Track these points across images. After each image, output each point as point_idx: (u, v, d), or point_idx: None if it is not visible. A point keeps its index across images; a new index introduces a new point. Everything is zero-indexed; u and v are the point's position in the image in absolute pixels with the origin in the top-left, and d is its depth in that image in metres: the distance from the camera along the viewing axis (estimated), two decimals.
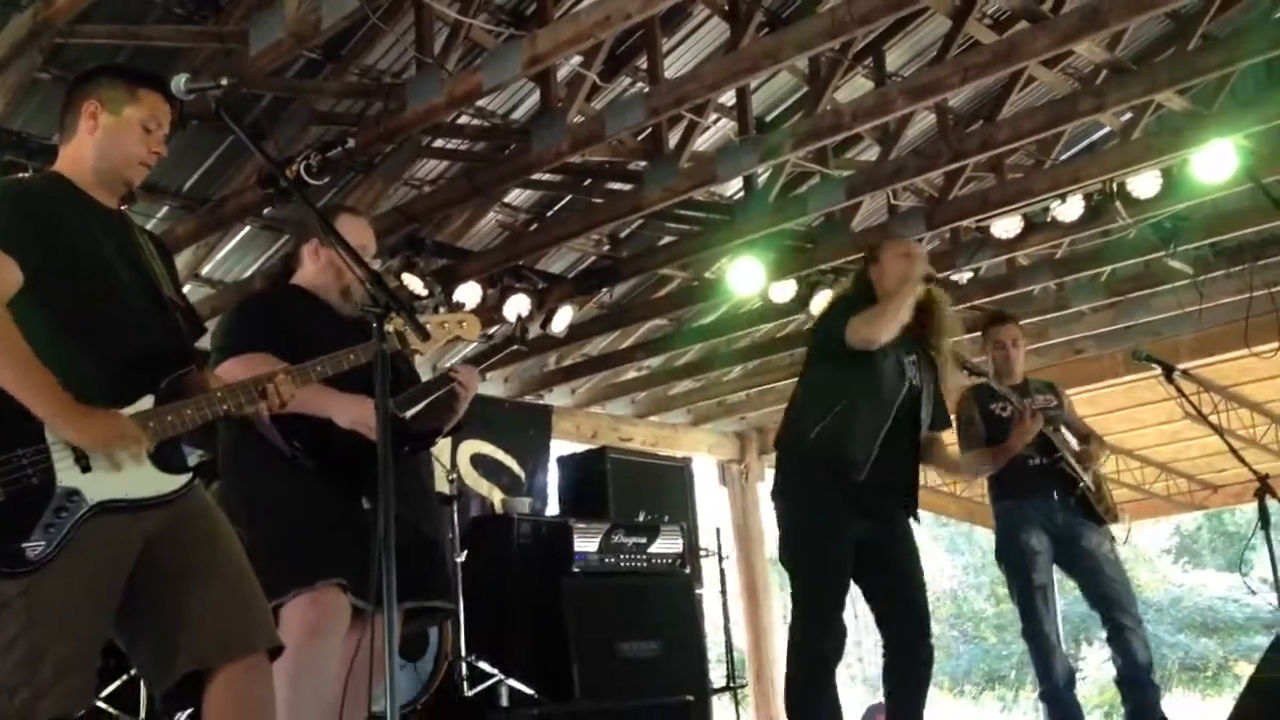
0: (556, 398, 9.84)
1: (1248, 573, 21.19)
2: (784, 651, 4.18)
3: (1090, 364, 9.24)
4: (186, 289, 3.35)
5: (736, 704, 7.40)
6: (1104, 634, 5.44)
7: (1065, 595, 7.75)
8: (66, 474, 2.45)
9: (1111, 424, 10.48)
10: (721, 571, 7.87)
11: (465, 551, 6.06)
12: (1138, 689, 5.25)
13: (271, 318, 3.56)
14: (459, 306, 6.82)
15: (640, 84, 6.25)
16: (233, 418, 2.75)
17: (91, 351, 2.57)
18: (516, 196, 7.45)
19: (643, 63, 6.03)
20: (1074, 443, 5.53)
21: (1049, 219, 6.74)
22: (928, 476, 12.18)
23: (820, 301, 7.38)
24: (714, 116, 6.66)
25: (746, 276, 7.24)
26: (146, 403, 2.59)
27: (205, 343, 3.33)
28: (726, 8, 5.94)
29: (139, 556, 2.56)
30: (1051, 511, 5.36)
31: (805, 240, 7.41)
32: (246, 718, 2.65)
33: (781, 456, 4.51)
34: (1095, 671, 18.40)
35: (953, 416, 5.64)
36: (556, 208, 7.58)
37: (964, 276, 7.85)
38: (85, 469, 2.47)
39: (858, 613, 19.57)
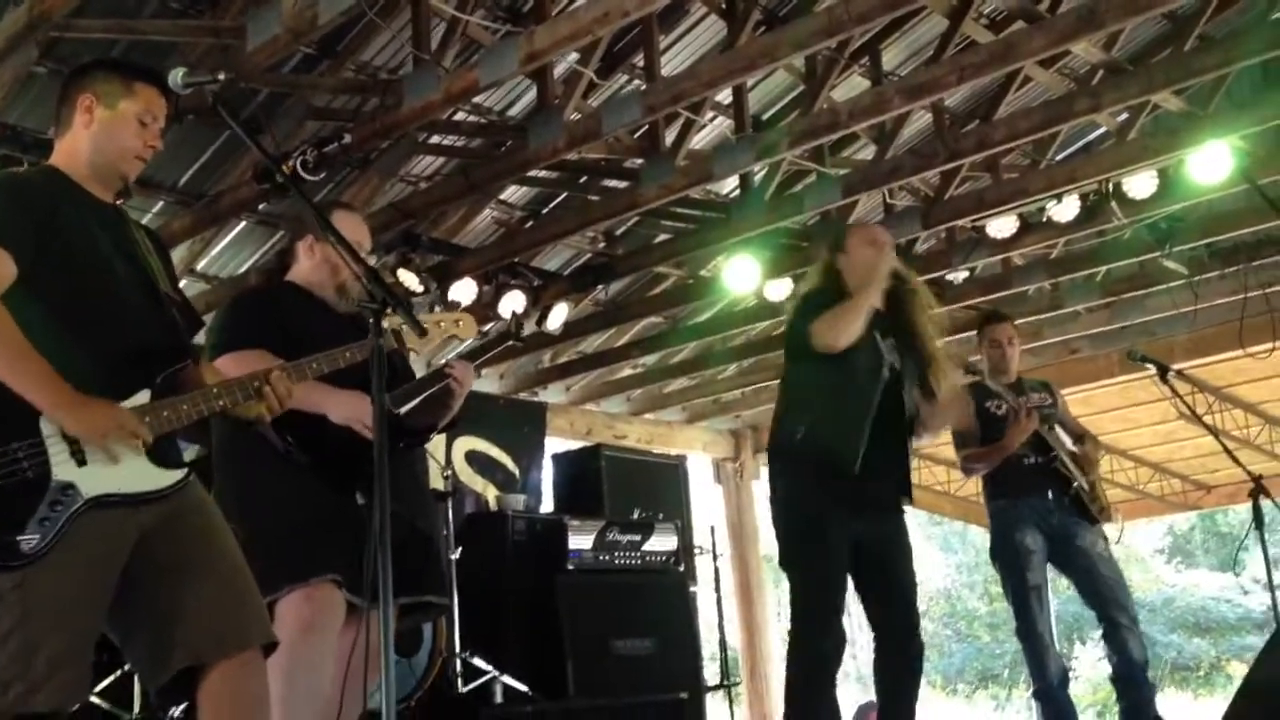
0: (551, 395, 9.84)
1: (1240, 573, 21.26)
2: (778, 650, 4.16)
3: (1085, 364, 9.26)
4: (181, 284, 3.35)
5: (730, 702, 7.41)
6: (1098, 633, 5.46)
7: (1058, 594, 7.77)
8: (62, 468, 2.45)
9: (1105, 424, 10.50)
10: (716, 569, 7.88)
11: (460, 548, 6.07)
12: (1133, 687, 5.26)
13: (267, 314, 3.56)
14: (455, 305, 6.82)
15: (637, 81, 6.25)
16: (228, 414, 2.75)
17: (87, 346, 2.56)
18: (512, 193, 7.44)
19: (640, 60, 6.04)
20: (1069, 442, 5.55)
21: (1044, 219, 6.76)
22: (922, 475, 12.25)
23: (782, 289, 7.31)
24: (710, 114, 6.67)
25: (742, 275, 7.24)
26: (142, 398, 2.58)
27: (202, 338, 3.33)
28: (724, 6, 5.95)
29: (134, 551, 2.56)
30: (1046, 510, 5.37)
31: (801, 239, 7.41)
32: (241, 714, 2.65)
33: (772, 460, 4.43)
34: (1088, 670, 18.44)
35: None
36: (552, 205, 7.58)
37: (959, 276, 7.86)
38: (81, 463, 2.47)
39: (852, 611, 19.64)
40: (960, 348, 7.04)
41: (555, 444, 9.32)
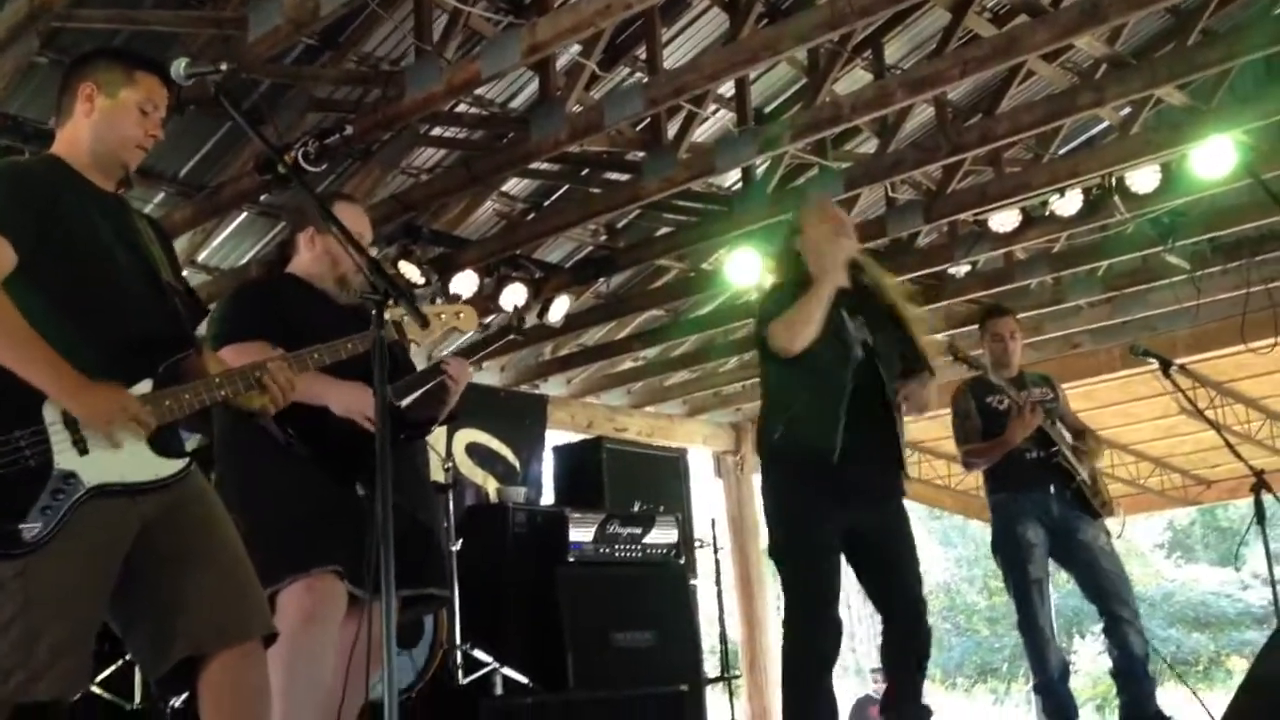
0: (552, 387, 9.84)
1: (1241, 568, 21.29)
2: (778, 643, 4.11)
3: (1086, 359, 9.25)
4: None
5: (730, 695, 7.41)
6: (1098, 627, 5.46)
7: (1058, 589, 7.77)
8: (64, 456, 2.45)
9: (1106, 418, 10.49)
10: (716, 563, 7.87)
11: (460, 540, 6.06)
12: (1133, 681, 5.26)
13: (267, 305, 3.55)
14: (456, 298, 6.81)
15: (639, 74, 6.24)
16: (230, 405, 2.75)
17: (88, 334, 2.56)
18: (514, 186, 7.44)
19: (642, 53, 6.02)
20: (1069, 437, 5.54)
21: (1047, 213, 6.74)
22: (921, 469, 12.26)
23: (744, 267, 7.17)
24: (713, 107, 6.65)
25: (744, 268, 7.23)
26: (144, 387, 2.58)
27: (203, 329, 3.33)
28: None
29: (135, 540, 2.56)
30: (1048, 504, 5.36)
31: None
32: (242, 704, 2.65)
33: (761, 459, 4.38)
34: (1088, 664, 18.46)
35: (949, 409, 5.70)
36: (554, 197, 7.57)
37: (961, 270, 7.86)
38: (83, 451, 2.47)
39: (850, 604, 19.64)
40: (962, 342, 7.03)
41: (556, 436, 9.33)
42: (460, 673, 5.75)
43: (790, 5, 6.13)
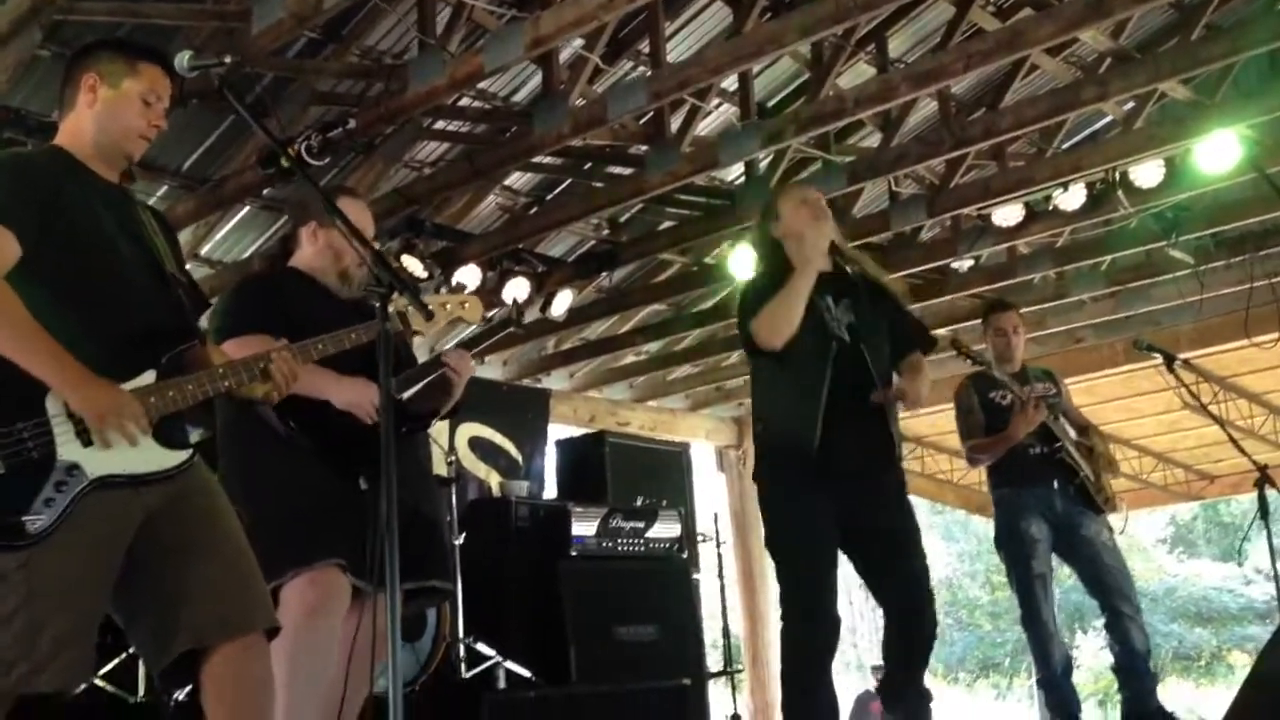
0: (555, 381, 9.84)
1: (1243, 563, 21.29)
2: (779, 637, 4.08)
3: (1089, 353, 9.25)
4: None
5: (733, 688, 7.41)
6: (1100, 622, 5.45)
7: (1060, 584, 7.78)
8: (67, 447, 2.45)
9: (1109, 413, 10.49)
10: (719, 557, 7.88)
11: (463, 534, 6.06)
12: (1135, 677, 5.26)
13: (270, 299, 3.55)
14: (460, 288, 6.81)
15: (643, 67, 6.24)
16: (233, 395, 2.74)
17: (92, 325, 2.56)
18: (517, 179, 7.43)
19: (645, 46, 6.02)
20: (1072, 433, 5.54)
21: (1050, 207, 6.73)
22: (925, 464, 12.26)
23: (746, 261, 6.95)
24: (716, 101, 6.65)
25: (746, 262, 7.22)
26: (148, 378, 2.58)
27: (205, 322, 3.32)
28: None
29: (138, 531, 2.56)
30: (1051, 500, 5.36)
31: None
32: (244, 697, 2.65)
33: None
34: (1090, 660, 18.46)
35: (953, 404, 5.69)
36: (557, 191, 7.57)
37: (964, 264, 7.86)
38: (86, 443, 2.46)
39: (852, 599, 19.64)
40: (965, 336, 7.03)
41: (558, 430, 9.33)
42: (463, 666, 5.76)
43: None
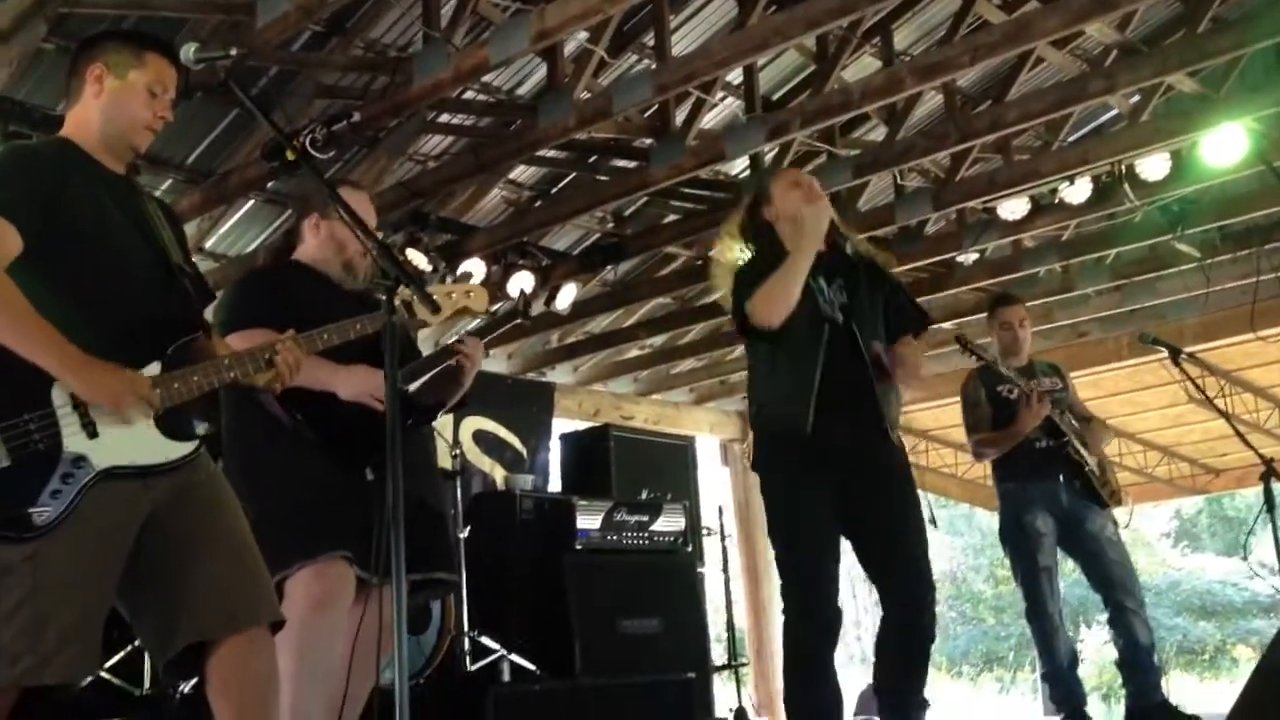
0: (559, 375, 9.83)
1: (1248, 557, 21.27)
2: (781, 630, 4.02)
3: (1094, 347, 9.24)
4: None
5: (738, 682, 7.42)
6: (1104, 616, 5.45)
7: (1065, 577, 7.78)
8: (73, 439, 2.44)
9: (1114, 407, 10.48)
10: (723, 550, 7.88)
11: (468, 527, 6.06)
12: (1139, 671, 5.27)
13: (274, 293, 3.55)
14: (466, 278, 6.80)
15: (647, 61, 6.23)
16: (239, 386, 2.74)
17: (96, 317, 2.55)
18: (521, 173, 7.43)
19: (650, 39, 6.01)
20: (1078, 427, 5.53)
21: (1056, 201, 6.72)
22: (929, 457, 12.25)
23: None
24: (721, 95, 6.64)
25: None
26: (153, 369, 2.57)
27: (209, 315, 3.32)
28: None
29: (145, 524, 2.55)
30: (1057, 494, 5.36)
31: None
32: (250, 690, 2.65)
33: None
34: (1094, 654, 18.47)
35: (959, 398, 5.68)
36: (562, 184, 7.56)
37: (969, 258, 7.84)
38: (92, 434, 2.46)
39: (856, 593, 19.63)
40: (970, 330, 7.02)
41: (562, 424, 9.33)
42: (467, 659, 5.76)
43: None
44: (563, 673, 5.82)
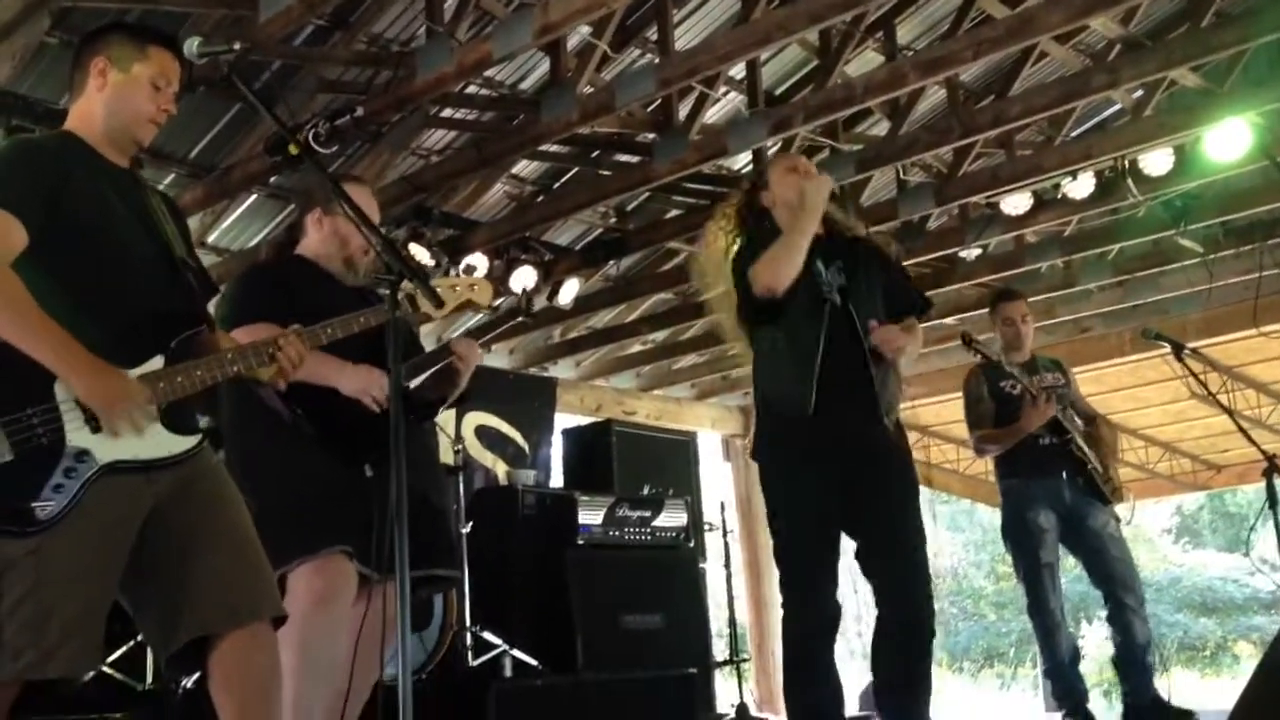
0: (561, 370, 9.84)
1: (1249, 553, 21.25)
2: (781, 624, 3.98)
3: (1097, 342, 9.23)
4: None
5: (739, 677, 7.41)
6: (1104, 613, 5.45)
7: (1066, 574, 7.78)
8: (76, 434, 2.44)
9: (1116, 403, 10.47)
10: (725, 546, 7.88)
11: (470, 523, 6.07)
12: (1136, 669, 5.27)
13: (276, 287, 3.54)
14: (470, 271, 6.80)
15: (650, 55, 6.22)
16: (242, 380, 2.74)
17: (99, 311, 2.55)
18: (524, 168, 7.42)
19: (653, 34, 6.01)
20: (1079, 423, 5.53)
21: (1059, 196, 6.71)
22: (931, 453, 12.23)
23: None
24: (723, 89, 6.63)
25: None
26: (156, 363, 2.57)
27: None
28: None
29: (148, 518, 2.55)
30: (1060, 490, 5.35)
31: None
32: (252, 685, 2.64)
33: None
34: (1095, 650, 18.44)
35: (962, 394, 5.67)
36: (564, 179, 7.56)
37: (972, 253, 7.83)
38: (95, 429, 2.45)
39: (858, 588, 19.63)
40: (973, 325, 7.01)
41: (565, 419, 9.34)
42: (469, 654, 5.77)
43: None
44: (564, 668, 5.82)
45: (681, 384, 10.65)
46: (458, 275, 5.16)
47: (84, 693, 4.26)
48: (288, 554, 3.15)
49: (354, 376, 3.34)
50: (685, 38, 6.21)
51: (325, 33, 5.86)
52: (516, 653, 5.78)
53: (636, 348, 9.95)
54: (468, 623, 5.79)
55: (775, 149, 6.77)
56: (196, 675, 3.93)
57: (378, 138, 6.39)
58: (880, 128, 6.97)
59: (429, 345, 3.89)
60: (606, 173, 6.99)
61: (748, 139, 5.98)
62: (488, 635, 5.79)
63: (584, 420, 9.20)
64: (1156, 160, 6.30)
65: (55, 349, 2.43)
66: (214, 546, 2.62)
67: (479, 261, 7.06)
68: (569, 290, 7.77)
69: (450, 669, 5.62)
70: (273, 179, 6.51)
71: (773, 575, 3.89)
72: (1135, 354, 9.01)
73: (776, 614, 3.91)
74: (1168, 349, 5.48)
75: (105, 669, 4.53)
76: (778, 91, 6.91)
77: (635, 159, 6.68)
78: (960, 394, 5.67)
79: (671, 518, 6.71)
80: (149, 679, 4.71)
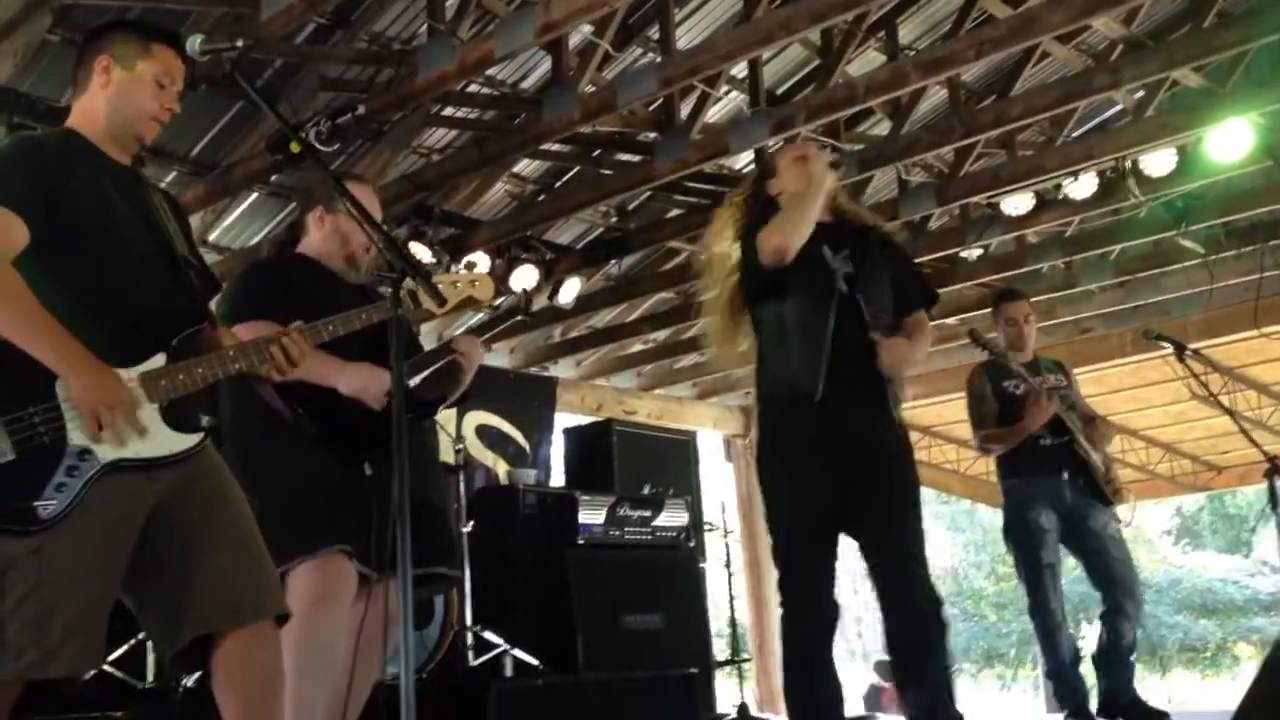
0: (562, 370, 9.83)
1: (1249, 554, 21.27)
2: (779, 624, 3.95)
3: (1098, 343, 9.23)
4: None
5: (739, 677, 7.42)
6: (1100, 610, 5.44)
7: (1067, 575, 7.79)
8: (78, 432, 2.43)
9: (1117, 404, 10.47)
10: (726, 546, 7.88)
11: (470, 522, 6.06)
12: (1118, 667, 5.27)
13: (276, 285, 3.54)
14: (472, 266, 6.79)
15: (652, 54, 6.22)
16: (244, 377, 2.73)
17: (101, 309, 2.54)
18: (525, 166, 7.42)
19: (655, 32, 6.00)
20: (1081, 425, 5.52)
21: (1060, 196, 6.70)
22: (931, 453, 12.23)
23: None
24: (725, 88, 6.63)
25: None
26: (158, 361, 2.56)
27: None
28: None
29: (150, 516, 2.55)
30: (1061, 491, 5.34)
31: None
32: (255, 684, 2.64)
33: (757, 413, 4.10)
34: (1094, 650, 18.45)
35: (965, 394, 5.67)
36: (565, 178, 7.56)
37: (973, 253, 7.83)
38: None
39: (858, 588, 19.63)
40: (975, 325, 7.00)
41: (565, 419, 9.33)
42: (470, 654, 5.76)
43: None
44: (565, 668, 5.82)
45: (682, 383, 10.65)
46: (459, 271, 5.15)
47: (84, 691, 4.26)
48: (287, 553, 3.14)
49: (354, 375, 3.34)
50: (687, 37, 6.21)
51: (327, 31, 5.86)
52: (517, 652, 5.78)
53: (637, 347, 9.95)
54: (468, 622, 5.79)
55: (776, 148, 6.78)
56: (197, 674, 3.93)
57: (379, 136, 6.39)
58: (882, 127, 6.96)
59: (428, 344, 3.88)
60: (608, 172, 6.99)
61: (749, 138, 5.97)
62: (488, 635, 5.79)
63: (585, 420, 9.20)
64: (1158, 161, 6.30)
65: (55, 347, 2.42)
66: (217, 544, 2.62)
67: (480, 260, 7.06)
68: (570, 289, 7.76)
69: (451, 668, 5.61)
70: (274, 177, 6.51)
71: (773, 575, 3.86)
72: (1136, 355, 9.00)
73: (777, 614, 3.89)
74: (1169, 350, 5.48)
75: (106, 667, 4.52)
76: (779, 91, 6.91)
77: (637, 158, 6.68)
78: (961, 394, 5.67)
79: (672, 517, 6.70)
80: (149, 678, 4.70)
